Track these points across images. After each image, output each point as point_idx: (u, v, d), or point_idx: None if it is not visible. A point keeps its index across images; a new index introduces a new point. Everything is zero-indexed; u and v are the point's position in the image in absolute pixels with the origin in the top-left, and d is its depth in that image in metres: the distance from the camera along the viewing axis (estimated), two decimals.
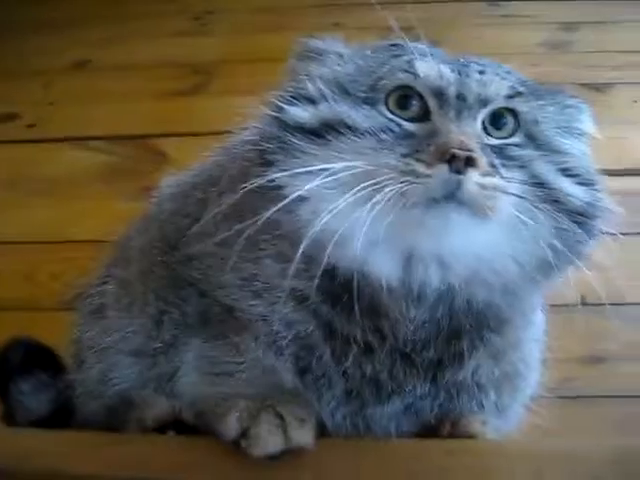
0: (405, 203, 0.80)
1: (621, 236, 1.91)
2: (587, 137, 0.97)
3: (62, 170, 2.24)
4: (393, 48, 0.94)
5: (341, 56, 0.95)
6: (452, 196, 0.80)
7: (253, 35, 2.60)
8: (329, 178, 0.81)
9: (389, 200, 0.79)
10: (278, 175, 0.83)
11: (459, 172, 0.79)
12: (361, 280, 0.86)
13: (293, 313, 0.92)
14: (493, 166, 0.83)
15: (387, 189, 0.79)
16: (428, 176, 0.79)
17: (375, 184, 0.79)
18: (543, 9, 2.63)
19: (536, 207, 0.84)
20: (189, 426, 0.97)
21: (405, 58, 0.90)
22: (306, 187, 0.81)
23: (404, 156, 0.82)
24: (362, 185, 0.79)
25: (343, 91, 0.89)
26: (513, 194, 0.83)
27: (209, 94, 2.38)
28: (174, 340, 1.01)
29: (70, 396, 1.15)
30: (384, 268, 0.86)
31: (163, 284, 1.04)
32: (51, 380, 1.24)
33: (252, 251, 0.91)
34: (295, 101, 0.89)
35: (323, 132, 0.85)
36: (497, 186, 0.81)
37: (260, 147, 0.88)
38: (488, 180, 0.81)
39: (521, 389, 1.04)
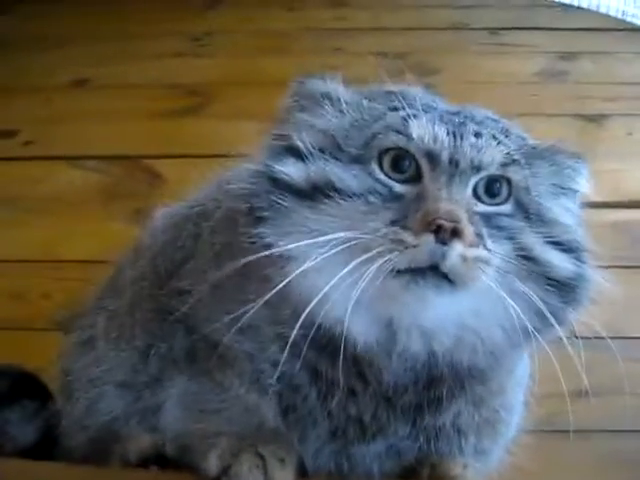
0: (390, 270, 0.80)
1: (616, 269, 1.91)
2: (579, 198, 0.97)
3: (57, 189, 2.23)
4: (390, 97, 0.92)
5: (339, 103, 0.93)
6: (435, 267, 0.80)
7: (252, 58, 2.62)
8: (319, 240, 0.81)
9: (379, 270, 0.79)
10: (269, 240, 0.83)
11: (444, 243, 0.79)
12: (344, 338, 0.87)
13: (279, 354, 0.91)
14: (479, 235, 0.82)
15: (379, 260, 0.79)
16: (415, 246, 0.80)
17: (366, 255, 0.80)
18: (541, 39, 2.66)
19: (520, 279, 0.84)
20: (172, 461, 0.97)
21: (401, 114, 0.88)
22: (290, 246, 0.82)
23: (392, 223, 0.82)
24: (354, 257, 0.80)
25: (336, 147, 0.88)
26: (496, 267, 0.82)
27: (206, 116, 2.39)
28: (160, 374, 1.02)
29: (55, 425, 1.15)
30: (365, 332, 0.87)
31: (151, 317, 1.05)
32: (38, 410, 1.23)
33: (242, 293, 0.91)
34: (286, 156, 0.88)
35: (312, 194, 0.85)
36: (480, 258, 0.81)
37: (250, 204, 0.87)
38: (471, 252, 0.80)
39: (502, 433, 1.04)
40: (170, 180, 2.19)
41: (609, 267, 1.92)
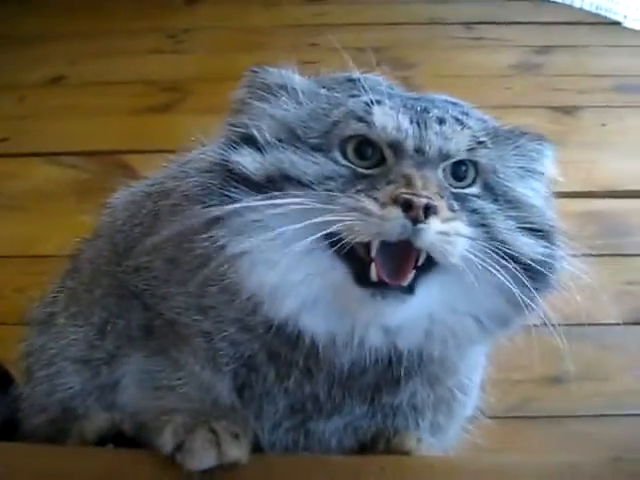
0: (354, 242, 0.78)
1: (588, 257, 1.93)
2: (547, 178, 0.95)
3: (33, 185, 2.24)
4: (349, 84, 0.91)
5: (295, 93, 0.90)
6: (407, 241, 0.77)
7: (228, 54, 2.62)
8: (269, 235, 0.79)
9: (337, 233, 0.78)
10: (222, 242, 0.82)
11: (416, 221, 0.76)
12: (301, 331, 0.86)
13: (238, 334, 0.92)
14: (453, 210, 0.81)
15: (335, 224, 0.77)
16: (380, 217, 0.77)
17: (321, 220, 0.78)
18: (515, 33, 2.68)
19: (491, 262, 0.81)
20: (129, 439, 0.98)
21: (362, 99, 0.86)
22: (243, 245, 0.81)
23: (355, 193, 0.79)
24: (308, 222, 0.78)
25: (294, 137, 0.86)
26: (472, 238, 0.81)
27: (183, 112, 2.41)
28: (117, 351, 1.02)
29: (16, 411, 1.15)
30: (322, 326, 0.86)
31: (108, 293, 1.05)
32: (1, 397, 1.23)
33: (200, 274, 0.90)
34: (242, 146, 0.86)
35: (267, 186, 0.82)
36: (459, 231, 0.79)
37: (204, 203, 0.85)
38: (450, 226, 0.79)
39: (457, 412, 1.04)
40: (146, 176, 2.19)
41: (582, 256, 1.94)
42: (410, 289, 0.81)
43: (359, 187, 0.80)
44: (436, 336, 0.86)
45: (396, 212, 0.76)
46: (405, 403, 0.97)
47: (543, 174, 0.94)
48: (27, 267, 2.08)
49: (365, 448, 0.99)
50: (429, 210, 0.76)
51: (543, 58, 2.57)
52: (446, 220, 0.78)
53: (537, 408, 1.74)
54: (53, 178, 2.26)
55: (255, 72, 0.94)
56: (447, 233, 0.78)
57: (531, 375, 1.73)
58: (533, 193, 0.92)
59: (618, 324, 1.90)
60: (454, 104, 0.92)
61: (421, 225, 0.76)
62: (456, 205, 0.81)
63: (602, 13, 2.61)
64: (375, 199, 0.78)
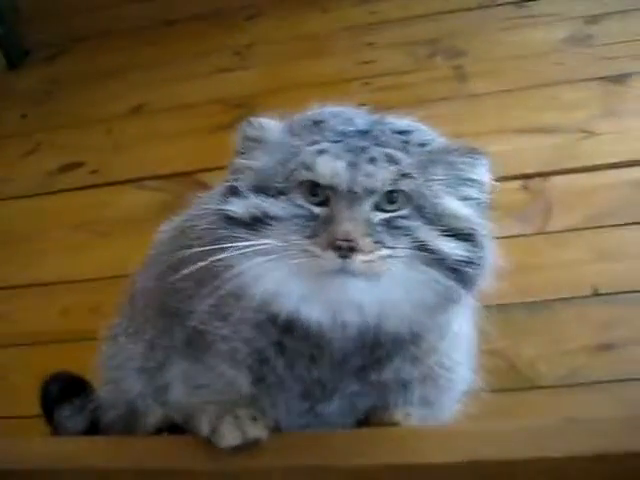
0: (309, 272, 0.99)
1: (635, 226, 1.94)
2: (482, 185, 1.08)
3: (123, 210, 2.45)
4: (311, 129, 1.06)
5: (267, 145, 1.09)
6: (342, 271, 0.97)
7: (290, 63, 2.80)
8: (259, 259, 1.01)
9: (294, 267, 0.99)
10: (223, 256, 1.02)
11: (346, 257, 0.97)
12: (298, 321, 1.06)
13: (251, 332, 1.13)
14: (378, 242, 0.99)
15: (291, 260, 0.99)
16: (320, 257, 0.98)
17: (284, 257, 1.00)
18: (567, 5, 2.72)
19: (424, 264, 0.99)
20: (180, 428, 1.23)
21: (312, 150, 1.04)
22: (242, 266, 1.02)
23: (307, 237, 1.00)
24: (276, 256, 1.00)
25: (265, 182, 1.06)
26: (398, 257, 0.99)
27: None
28: (165, 360, 1.25)
29: (97, 412, 1.42)
30: (313, 315, 1.05)
31: (156, 315, 1.28)
32: (84, 403, 1.51)
33: (217, 290, 1.09)
34: (231, 196, 1.06)
35: (254, 224, 1.03)
36: (382, 256, 0.98)
37: (211, 234, 1.06)
38: (371, 256, 0.97)
39: (446, 387, 1.20)
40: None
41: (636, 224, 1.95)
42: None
43: (309, 232, 1.00)
44: (388, 315, 1.04)
45: (332, 254, 0.97)
46: (392, 380, 1.14)
47: (475, 181, 1.08)
48: (122, 287, 2.28)
49: (362, 425, 1.18)
50: (353, 249, 0.96)
51: (594, 28, 2.60)
52: (368, 252, 0.97)
53: (588, 375, 1.78)
54: (141, 202, 2.45)
55: (244, 127, 1.12)
56: (371, 261, 0.97)
57: (584, 343, 1.78)
58: (463, 202, 1.06)
59: None
60: (401, 133, 1.07)
61: (348, 260, 0.97)
62: (381, 234, 1.00)
63: None
64: (319, 244, 0.98)
